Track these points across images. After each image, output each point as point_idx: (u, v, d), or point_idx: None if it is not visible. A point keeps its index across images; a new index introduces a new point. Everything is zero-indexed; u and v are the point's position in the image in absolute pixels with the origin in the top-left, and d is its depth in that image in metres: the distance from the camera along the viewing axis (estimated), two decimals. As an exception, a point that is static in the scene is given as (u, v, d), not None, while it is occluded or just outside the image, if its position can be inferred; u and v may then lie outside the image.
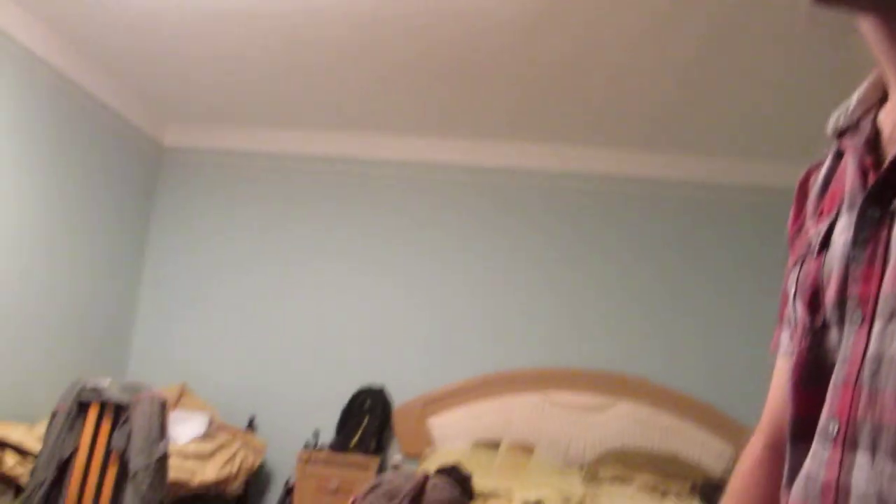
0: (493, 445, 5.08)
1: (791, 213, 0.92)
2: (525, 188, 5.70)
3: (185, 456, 4.29)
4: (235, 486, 4.92)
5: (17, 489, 3.41)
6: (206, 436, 4.78)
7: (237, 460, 4.86)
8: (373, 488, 1.32)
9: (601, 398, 5.28)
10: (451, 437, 5.29)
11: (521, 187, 5.70)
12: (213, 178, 5.99)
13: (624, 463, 4.84)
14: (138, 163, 5.75)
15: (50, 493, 2.96)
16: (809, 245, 0.83)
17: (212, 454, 4.61)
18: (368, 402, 5.37)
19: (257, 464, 5.20)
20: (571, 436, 5.21)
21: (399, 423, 5.44)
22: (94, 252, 5.28)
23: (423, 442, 5.33)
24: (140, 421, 3.04)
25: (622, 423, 5.20)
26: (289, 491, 5.15)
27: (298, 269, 5.76)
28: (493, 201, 5.70)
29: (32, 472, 3.05)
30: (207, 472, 4.45)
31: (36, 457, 3.16)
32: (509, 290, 5.58)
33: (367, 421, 5.29)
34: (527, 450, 5.03)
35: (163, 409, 3.18)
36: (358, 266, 5.72)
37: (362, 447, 5.16)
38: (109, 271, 5.48)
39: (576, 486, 4.37)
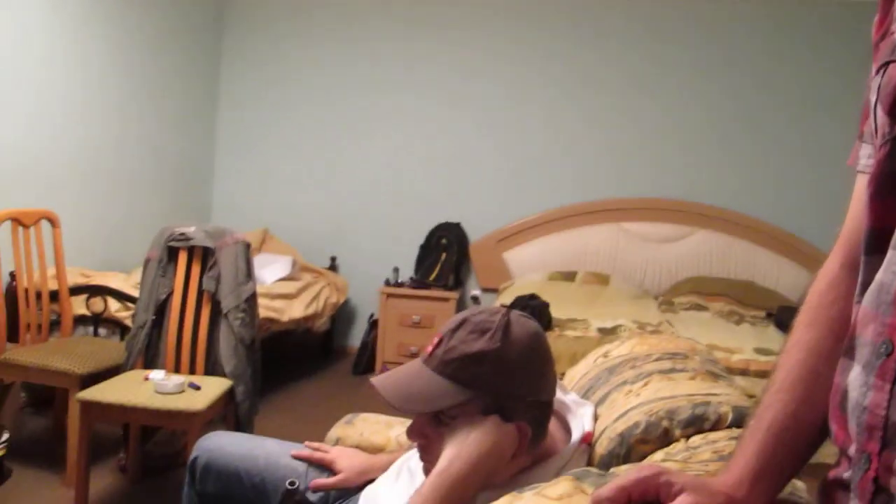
0: (569, 276, 5.15)
1: (876, 18, 0.86)
2: (602, 11, 5.46)
3: (273, 296, 4.50)
4: (322, 322, 5.18)
5: (123, 330, 3.67)
6: (291, 276, 4.98)
7: (322, 298, 5.08)
8: (459, 325, 1.35)
9: (677, 228, 5.27)
10: (527, 269, 5.39)
11: (597, 11, 5.46)
12: (280, 14, 5.89)
13: (700, 291, 4.87)
14: (203, 9, 5.69)
15: (151, 332, 3.17)
16: (894, 48, 0.79)
17: (297, 293, 4.82)
18: (445, 238, 5.47)
19: (341, 301, 5.43)
20: (647, 265, 5.25)
21: (476, 257, 5.55)
22: (171, 106, 5.37)
23: (500, 275, 5.44)
24: (226, 263, 3.17)
25: (698, 251, 5.19)
26: (373, 325, 5.39)
27: (372, 109, 5.75)
28: (568, 30, 5.49)
29: (134, 315, 3.26)
30: (295, 310, 4.67)
31: (135, 301, 3.36)
32: (584, 123, 5.48)
33: (445, 257, 5.41)
34: (602, 280, 5.09)
35: (247, 251, 3.31)
36: (432, 103, 5.68)
37: (441, 282, 5.31)
38: (186, 124, 5.58)
39: (652, 314, 4.44)
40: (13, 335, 3.36)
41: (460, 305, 5.33)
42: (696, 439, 1.29)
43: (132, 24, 4.86)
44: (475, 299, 5.53)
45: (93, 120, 4.56)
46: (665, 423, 1.33)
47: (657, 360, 1.61)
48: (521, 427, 1.28)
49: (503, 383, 1.29)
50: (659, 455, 1.28)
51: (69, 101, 4.36)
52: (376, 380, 1.36)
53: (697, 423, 1.32)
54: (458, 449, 1.25)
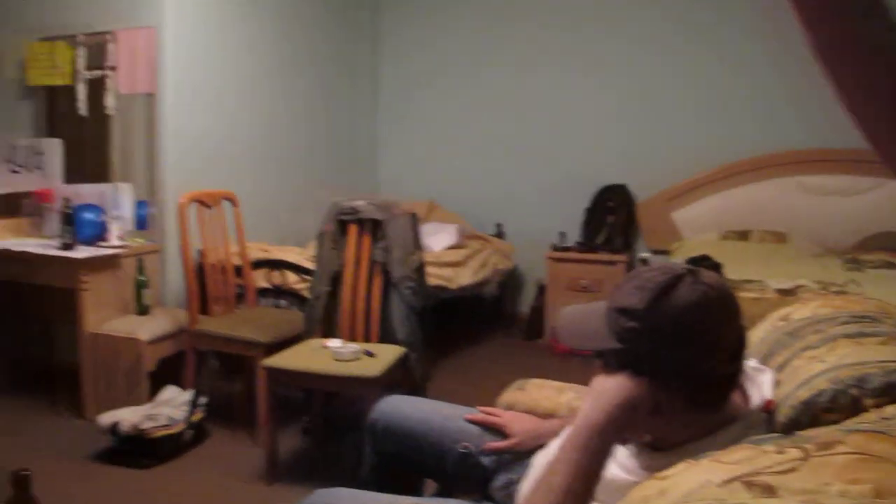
0: (743, 235, 4.92)
1: None
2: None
3: (441, 264, 4.60)
4: (491, 288, 5.23)
5: (301, 300, 3.88)
6: (458, 244, 5.06)
7: (489, 265, 5.13)
8: (632, 276, 1.34)
9: (861, 180, 4.85)
10: (698, 229, 5.19)
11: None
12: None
13: (890, 247, 4.50)
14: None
15: (328, 303, 3.33)
16: None
17: (465, 261, 4.89)
18: (611, 200, 5.36)
19: (509, 267, 5.46)
20: (829, 221, 4.88)
21: (644, 218, 5.41)
22: (335, 85, 5.58)
23: (670, 236, 5.27)
24: (395, 234, 3.28)
25: (887, 205, 4.76)
26: (541, 290, 5.39)
27: (530, 73, 5.70)
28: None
29: (311, 287, 3.44)
30: (463, 277, 4.75)
31: (311, 273, 3.54)
32: (752, 70, 5.16)
33: (612, 219, 5.30)
34: (779, 237, 4.82)
35: (414, 222, 3.40)
36: (590, 64, 5.55)
37: (609, 245, 5.22)
38: (350, 101, 5.78)
39: (836, 273, 4.15)
40: (204, 308, 3.63)
41: (629, 269, 5.22)
42: (891, 409, 1.19)
43: (293, 10, 5.06)
44: (644, 261, 5.40)
45: (264, 106, 4.82)
46: (854, 392, 1.24)
47: (843, 323, 1.50)
48: (658, 386, 1.25)
49: (646, 343, 1.26)
50: (849, 424, 1.20)
51: (243, 90, 4.64)
52: (567, 308, 1.44)
53: (892, 392, 1.22)
54: (591, 401, 1.26)
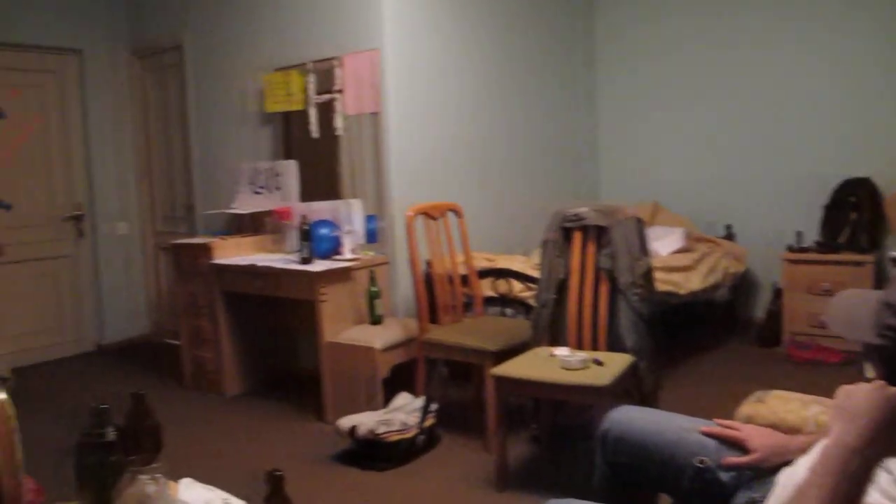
0: None
1: None
2: None
3: (669, 269, 4.43)
4: (722, 293, 4.97)
5: (527, 308, 3.87)
6: (685, 248, 4.86)
7: (720, 268, 4.88)
8: None
9: None
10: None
11: None
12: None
13: None
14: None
15: (554, 311, 3.30)
16: None
17: (694, 265, 4.68)
18: (854, 195, 4.92)
19: (741, 270, 5.17)
20: None
21: (894, 213, 4.90)
22: (552, 90, 5.55)
23: (928, 232, 4.74)
24: (620, 240, 3.19)
25: None
26: (777, 293, 5.04)
27: (755, 64, 5.37)
28: None
29: (536, 295, 3.42)
30: (693, 282, 4.55)
31: (536, 281, 3.53)
32: None
33: (855, 216, 4.86)
34: None
35: (640, 226, 3.29)
36: (825, 47, 5.13)
37: (853, 245, 4.79)
38: (568, 105, 5.72)
39: None
40: (433, 317, 3.72)
41: (878, 270, 4.76)
42: None
43: (507, 22, 5.10)
44: (895, 261, 4.90)
45: (484, 118, 4.89)
46: None
47: None
48: None
49: None
50: None
51: (462, 104, 4.74)
52: (846, 291, 1.38)
53: None
54: (844, 416, 1.14)
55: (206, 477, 1.83)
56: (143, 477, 1.47)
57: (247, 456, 3.57)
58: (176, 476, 1.69)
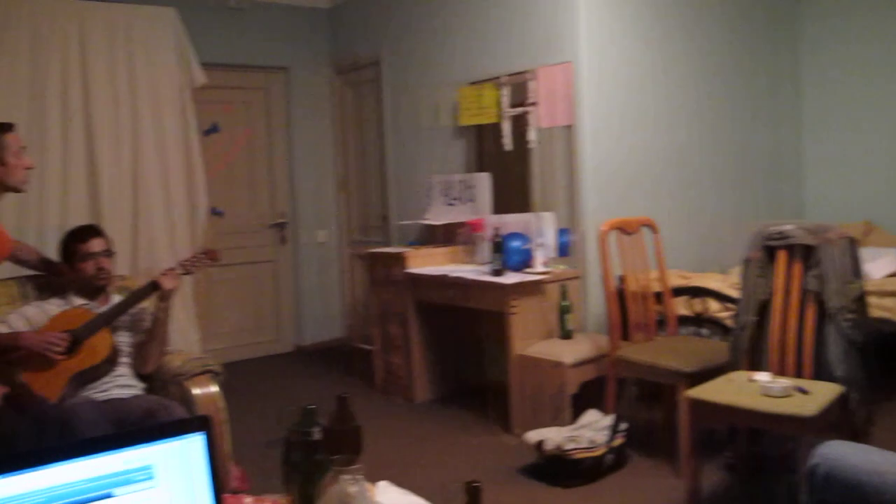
0: None
1: None
2: None
3: (884, 293, 4.08)
4: (946, 323, 4.51)
5: (724, 329, 3.71)
6: (902, 271, 4.46)
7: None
8: None
9: None
10: None
11: None
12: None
13: None
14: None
15: (754, 333, 3.13)
16: None
17: (912, 289, 4.29)
18: None
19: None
20: None
21: None
22: (752, 100, 5.27)
23: None
24: (830, 261, 2.97)
25: None
26: None
27: None
28: None
29: (736, 316, 3.26)
30: (910, 309, 4.16)
31: (735, 301, 3.37)
32: None
33: None
34: None
35: (853, 247, 3.05)
36: None
37: None
38: (769, 117, 5.42)
39: None
40: (625, 334, 3.64)
41: None
42: None
43: (703, 33, 4.91)
44: None
45: (679, 130, 4.73)
46: None
47: None
48: None
49: None
50: None
51: (657, 116, 4.60)
52: None
53: None
54: None
55: (399, 481, 1.88)
56: (345, 477, 1.52)
57: (436, 463, 3.65)
58: (373, 478, 1.75)
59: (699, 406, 2.86)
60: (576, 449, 3.28)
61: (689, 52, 4.80)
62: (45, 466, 1.19)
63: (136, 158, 4.45)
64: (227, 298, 5.85)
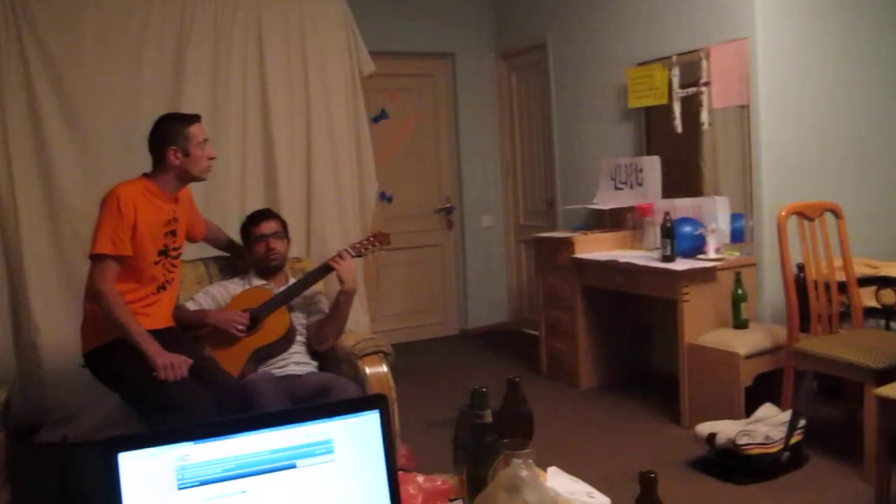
0: None
1: None
2: None
3: None
4: None
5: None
6: None
7: None
8: None
9: None
10: None
11: None
12: None
13: None
14: None
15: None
16: None
17: None
18: None
19: None
20: None
21: None
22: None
23: None
24: None
25: None
26: None
27: None
28: None
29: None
30: None
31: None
32: None
33: None
34: None
35: None
36: None
37: None
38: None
39: None
40: (804, 325, 3.44)
41: None
42: None
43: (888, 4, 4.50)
44: None
45: (866, 106, 4.35)
46: None
47: None
48: None
49: None
50: None
51: (840, 95, 4.27)
52: None
53: None
54: None
55: (566, 468, 1.87)
56: (517, 461, 1.52)
57: (603, 452, 3.61)
58: (542, 464, 1.75)
59: (890, 405, 2.66)
60: (750, 444, 3.14)
61: (871, 27, 4.43)
62: (234, 435, 1.27)
63: (309, 145, 4.64)
64: (395, 282, 6.01)
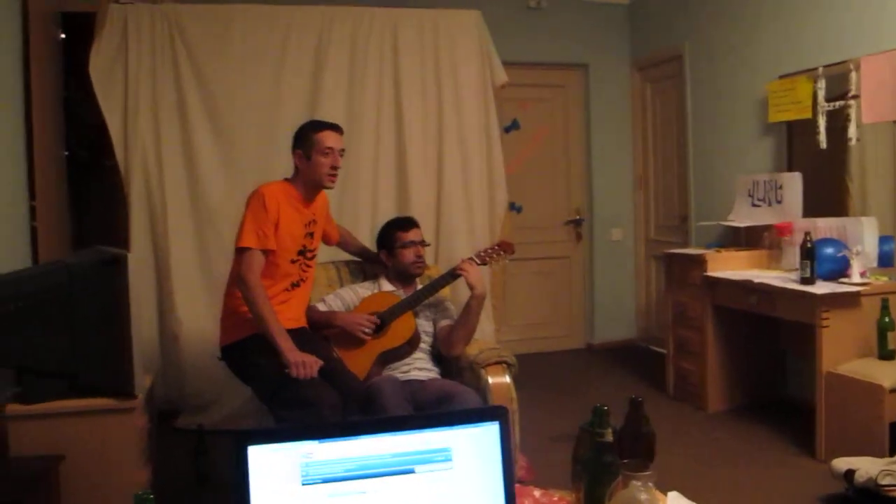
0: None
1: None
2: None
3: None
4: None
5: None
6: None
7: None
8: None
9: None
10: None
11: None
12: None
13: None
14: None
15: None
16: None
17: None
18: None
19: None
20: None
21: None
22: None
23: None
24: None
25: None
26: None
27: None
28: None
29: None
30: None
31: None
32: None
33: None
34: None
35: None
36: None
37: None
38: None
39: None
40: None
41: None
42: None
43: None
44: None
45: None
46: None
47: None
48: None
49: None
50: None
51: None
52: None
53: None
54: None
55: (689, 495, 1.80)
56: (636, 483, 1.49)
57: (729, 480, 3.47)
58: (663, 488, 1.69)
59: None
60: (894, 486, 2.93)
61: None
62: (357, 437, 1.31)
63: (440, 154, 4.70)
64: (522, 292, 6.00)
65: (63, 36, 4.37)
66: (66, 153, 4.39)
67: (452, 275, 3.25)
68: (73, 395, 2.65)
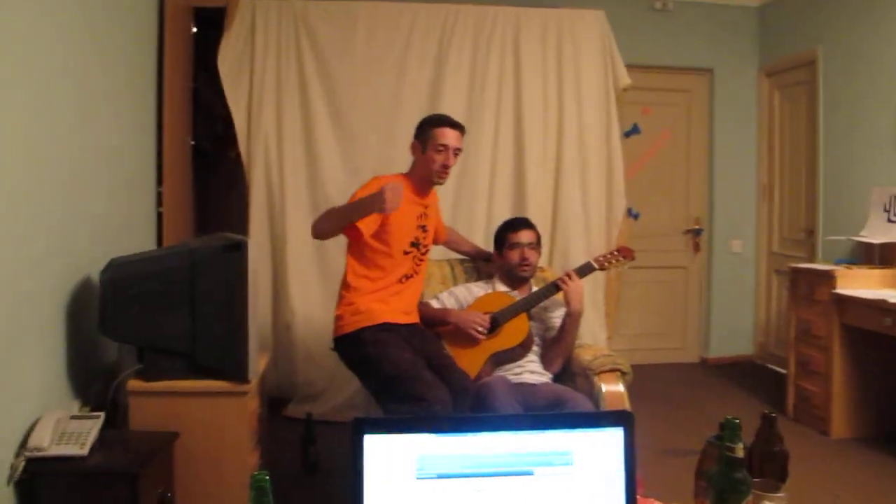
0: None
1: None
2: None
3: None
4: None
5: None
6: None
7: None
8: None
9: None
10: None
11: None
12: None
13: None
14: None
15: None
16: None
17: None
18: None
19: None
20: None
21: None
22: None
23: None
24: None
25: None
26: None
27: None
28: None
29: None
30: None
31: None
32: None
33: None
34: None
35: None
36: None
37: None
38: None
39: None
40: None
41: None
42: None
43: None
44: None
45: None
46: None
47: None
48: None
49: None
50: None
51: None
52: None
53: None
54: None
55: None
56: (768, 503, 1.39)
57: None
58: (791, 511, 1.58)
59: None
60: None
61: None
62: (475, 432, 1.27)
63: (559, 156, 4.62)
64: (636, 301, 5.82)
65: (195, 30, 4.51)
66: (192, 143, 4.53)
67: (555, 286, 3.18)
68: (190, 375, 2.71)
